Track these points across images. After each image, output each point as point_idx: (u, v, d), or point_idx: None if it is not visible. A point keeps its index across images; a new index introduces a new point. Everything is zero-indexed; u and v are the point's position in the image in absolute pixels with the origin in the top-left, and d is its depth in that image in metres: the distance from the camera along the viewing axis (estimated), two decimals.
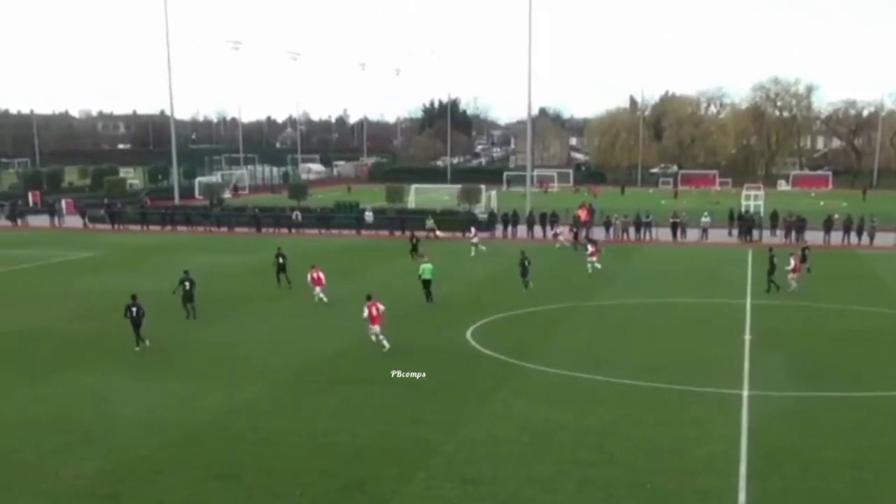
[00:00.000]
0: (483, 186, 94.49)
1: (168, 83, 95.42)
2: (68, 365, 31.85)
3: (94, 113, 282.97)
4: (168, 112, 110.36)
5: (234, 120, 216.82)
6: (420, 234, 64.98)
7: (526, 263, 47.58)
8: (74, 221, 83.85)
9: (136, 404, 27.06)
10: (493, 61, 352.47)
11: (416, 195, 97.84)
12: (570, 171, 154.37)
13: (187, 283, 39.41)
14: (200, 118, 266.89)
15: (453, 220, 76.47)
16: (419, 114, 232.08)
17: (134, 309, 33.88)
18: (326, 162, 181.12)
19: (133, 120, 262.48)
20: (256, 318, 39.76)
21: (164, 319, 39.04)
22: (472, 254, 59.73)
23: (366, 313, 33.29)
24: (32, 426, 24.95)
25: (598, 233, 71.49)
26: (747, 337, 35.91)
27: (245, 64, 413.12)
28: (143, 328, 33.82)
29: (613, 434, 24.11)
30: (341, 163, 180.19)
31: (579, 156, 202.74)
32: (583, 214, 74.90)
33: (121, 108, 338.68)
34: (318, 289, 42.84)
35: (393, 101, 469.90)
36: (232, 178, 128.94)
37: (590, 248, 54.41)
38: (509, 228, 73.97)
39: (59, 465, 21.96)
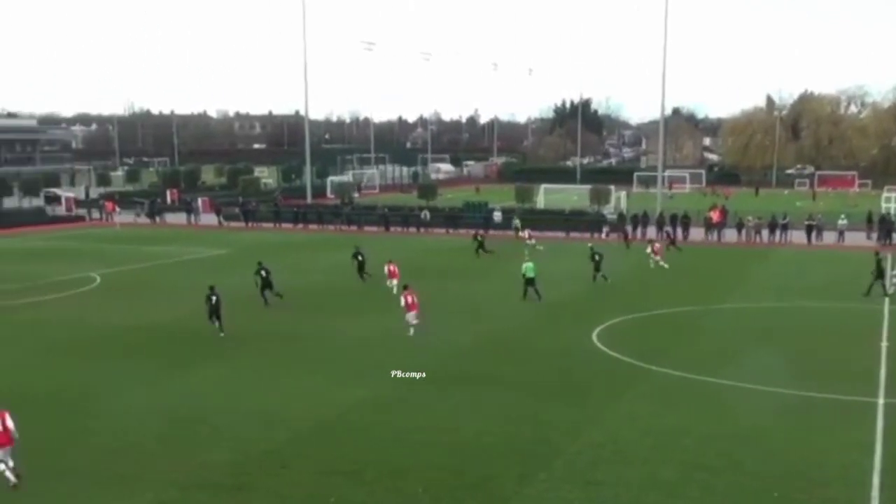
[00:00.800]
0: (613, 187, 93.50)
1: (304, 84, 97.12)
2: (199, 359, 32.70)
3: (231, 113, 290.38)
4: (302, 112, 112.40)
5: (366, 120, 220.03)
6: (518, 234, 65.11)
7: (596, 258, 48.10)
8: (209, 219, 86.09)
9: (264, 398, 27.57)
10: (626, 60, 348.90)
11: (545, 195, 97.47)
12: (703, 172, 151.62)
13: (261, 274, 41.90)
14: (334, 118, 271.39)
15: (583, 221, 75.98)
16: (550, 114, 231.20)
17: (213, 297, 36.11)
18: (456, 162, 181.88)
19: (268, 120, 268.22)
20: (382, 314, 40.07)
21: (293, 314, 39.92)
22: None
23: (402, 301, 35.49)
24: (164, 418, 25.61)
25: (731, 234, 70.25)
26: (884, 343, 34.65)
27: (378, 65, 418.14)
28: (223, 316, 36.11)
29: (741, 440, 23.53)
30: (471, 163, 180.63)
31: (712, 156, 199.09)
32: (715, 216, 73.63)
33: (257, 108, 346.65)
34: (393, 280, 44.48)
35: (524, 101, 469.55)
36: (363, 178, 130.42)
37: (655, 247, 55.12)
38: (638, 230, 73.13)
39: (189, 456, 22.49)
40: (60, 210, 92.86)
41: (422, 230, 76.23)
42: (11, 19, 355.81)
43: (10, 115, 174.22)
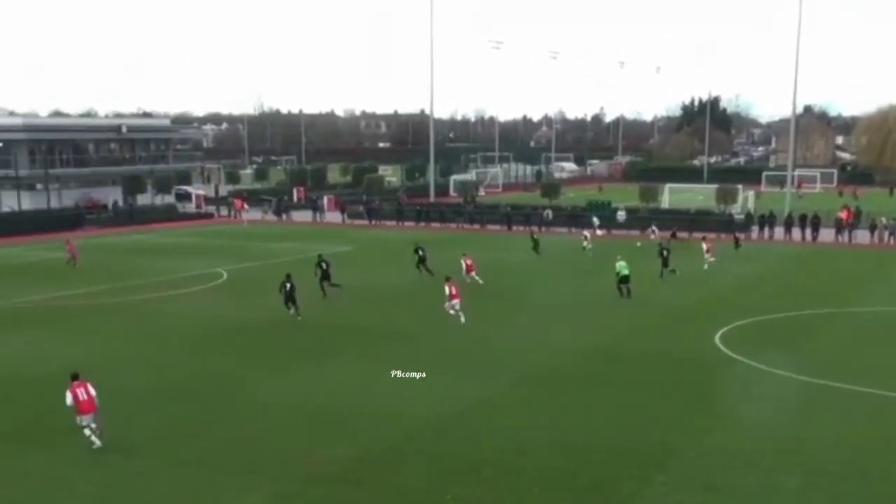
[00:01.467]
0: (740, 186, 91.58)
1: (430, 83, 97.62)
2: (322, 354, 33.17)
3: (358, 112, 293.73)
4: (428, 111, 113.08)
5: (491, 119, 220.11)
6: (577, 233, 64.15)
7: (665, 253, 48.32)
8: (334, 217, 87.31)
9: (384, 395, 27.81)
10: (757, 57, 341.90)
11: (671, 195, 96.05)
12: (835, 172, 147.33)
13: (321, 266, 43.81)
14: (458, 117, 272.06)
15: (709, 221, 74.63)
16: (677, 112, 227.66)
17: (288, 285, 38.89)
18: (580, 161, 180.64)
19: (394, 119, 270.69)
20: (503, 314, 40.04)
21: (413, 311, 40.15)
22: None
23: (447, 291, 37.75)
24: (287, 412, 26.05)
25: (863, 236, 68.12)
26: None
27: (505, 63, 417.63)
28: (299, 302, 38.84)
29: (869, 448, 22.79)
30: (595, 161, 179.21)
31: (845, 155, 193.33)
32: (844, 216, 71.53)
33: (383, 107, 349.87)
34: (472, 273, 46.12)
35: (651, 99, 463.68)
36: (486, 176, 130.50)
37: (704, 246, 54.19)
38: (766, 230, 71.51)
39: (309, 449, 22.82)
40: (190, 207, 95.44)
41: (544, 229, 75.77)
42: (148, 24, 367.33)
43: (146, 115, 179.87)
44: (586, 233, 63.15)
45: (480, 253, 59.56)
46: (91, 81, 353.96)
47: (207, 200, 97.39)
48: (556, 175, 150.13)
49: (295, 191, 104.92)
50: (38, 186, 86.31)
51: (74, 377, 23.75)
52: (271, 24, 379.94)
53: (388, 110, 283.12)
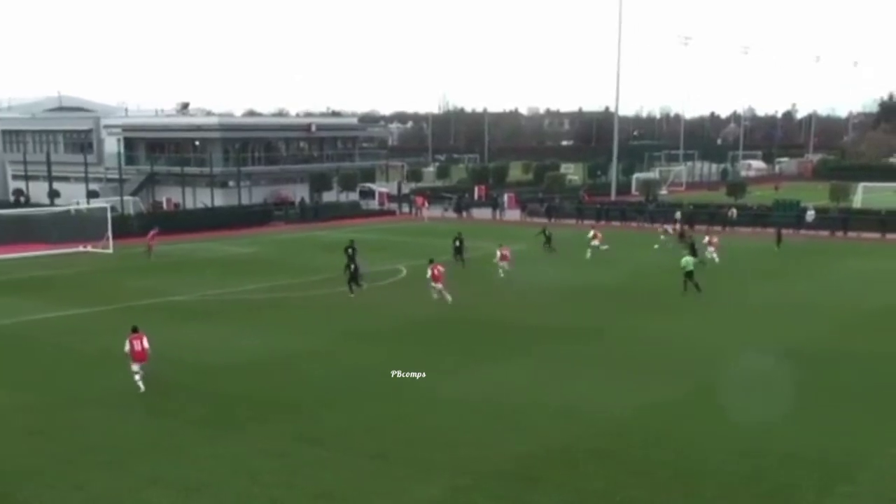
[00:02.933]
0: None
1: (615, 80, 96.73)
2: (502, 350, 33.30)
3: (542, 111, 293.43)
4: (613, 109, 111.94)
5: (676, 116, 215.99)
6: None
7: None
8: (514, 215, 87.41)
9: (562, 393, 27.72)
10: None
11: (864, 194, 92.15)
12: None
13: (347, 252, 47.69)
14: (644, 114, 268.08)
15: None
16: (874, 108, 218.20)
17: (352, 266, 44.70)
18: (768, 158, 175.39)
19: (577, 117, 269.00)
20: (686, 314, 39.35)
21: (596, 310, 39.87)
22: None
23: (429, 273, 41.22)
24: (466, 408, 26.25)
25: None
26: None
27: (693, 59, 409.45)
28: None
29: None
30: (784, 159, 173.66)
31: None
32: None
33: (567, 105, 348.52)
34: (504, 264, 48.72)
35: (847, 95, 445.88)
36: (669, 175, 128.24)
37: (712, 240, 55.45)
38: None
39: (486, 446, 22.94)
40: (374, 204, 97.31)
41: (727, 229, 73.87)
42: (338, 25, 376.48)
43: (335, 114, 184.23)
44: (667, 227, 62.28)
45: (662, 253, 58.64)
46: (284, 82, 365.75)
47: (390, 198, 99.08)
48: (743, 173, 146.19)
49: (476, 188, 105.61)
50: (231, 184, 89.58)
51: (134, 329, 28.26)
52: (458, 24, 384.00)
53: (573, 108, 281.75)
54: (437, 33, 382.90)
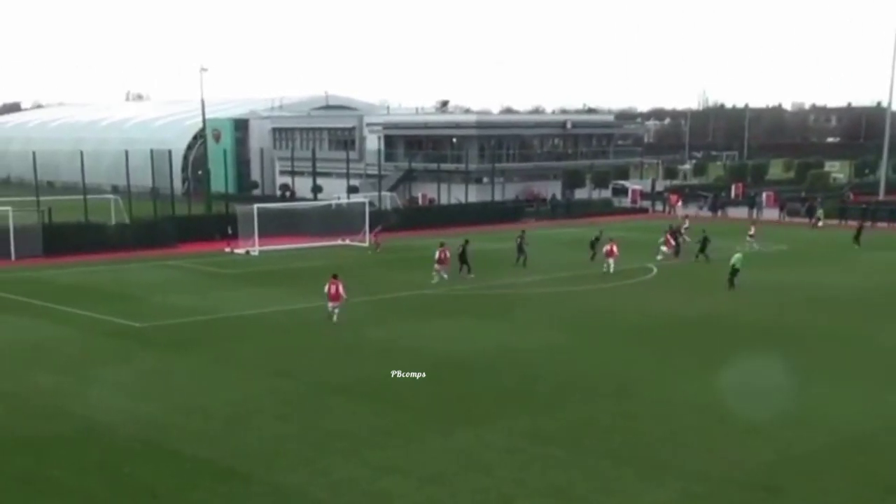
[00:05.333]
0: None
1: (890, 72, 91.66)
2: (742, 354, 32.58)
3: (807, 106, 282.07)
4: (884, 103, 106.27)
5: None
6: None
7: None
8: (772, 214, 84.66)
9: (807, 399, 26.97)
10: None
11: None
12: None
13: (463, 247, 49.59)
14: None
15: None
16: None
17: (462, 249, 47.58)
18: None
19: (846, 112, 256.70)
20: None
21: (829, 314, 38.38)
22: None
23: (436, 255, 44.99)
24: (700, 412, 25.83)
25: None
26: None
27: None
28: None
29: None
30: None
31: None
32: None
33: (834, 100, 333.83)
34: (610, 259, 49.84)
35: None
36: None
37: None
38: None
39: (721, 452, 22.52)
40: (626, 202, 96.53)
41: None
42: (574, 22, 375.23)
43: (591, 111, 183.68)
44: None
45: None
46: (541, 79, 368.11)
47: (643, 195, 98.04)
48: None
49: (733, 187, 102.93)
50: (485, 180, 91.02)
51: (334, 276, 37.72)
52: (721, 18, 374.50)
53: (840, 103, 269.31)
54: (699, 28, 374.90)
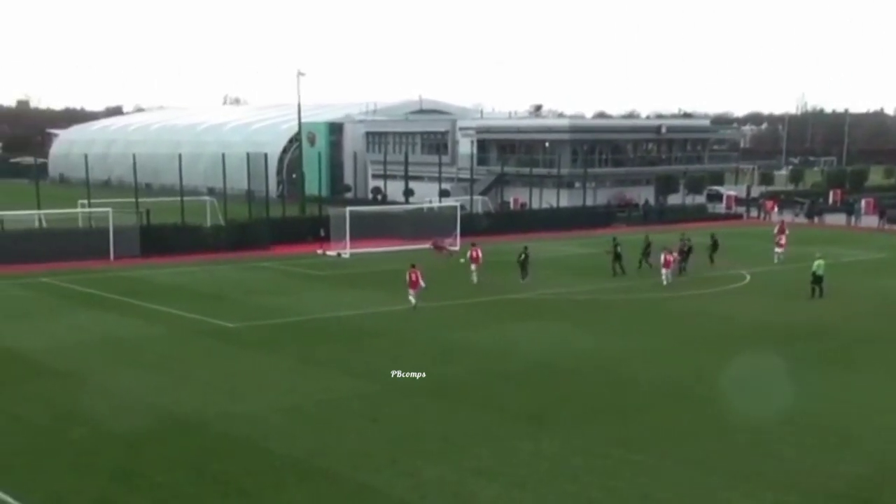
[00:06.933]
0: None
1: None
2: (837, 365, 32.00)
3: None
4: None
5: None
6: None
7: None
8: (871, 222, 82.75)
9: None
10: None
11: None
12: None
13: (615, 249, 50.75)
14: None
15: None
16: None
17: (523, 255, 48.39)
18: None
19: None
20: None
21: None
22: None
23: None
24: (792, 421, 25.35)
25: None
26: None
27: None
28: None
29: None
30: None
31: None
32: None
33: None
34: (666, 270, 48.31)
35: None
36: None
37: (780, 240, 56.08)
38: None
39: (814, 462, 22.10)
40: (720, 207, 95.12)
41: None
42: (684, 26, 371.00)
43: (686, 116, 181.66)
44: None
45: None
46: (635, 83, 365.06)
47: (738, 201, 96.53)
48: None
49: (831, 193, 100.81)
50: (577, 185, 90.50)
51: (413, 266, 40.80)
52: (819, 21, 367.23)
53: None
54: (799, 31, 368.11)
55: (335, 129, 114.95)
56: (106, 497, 20.05)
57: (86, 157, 73.43)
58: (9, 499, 19.54)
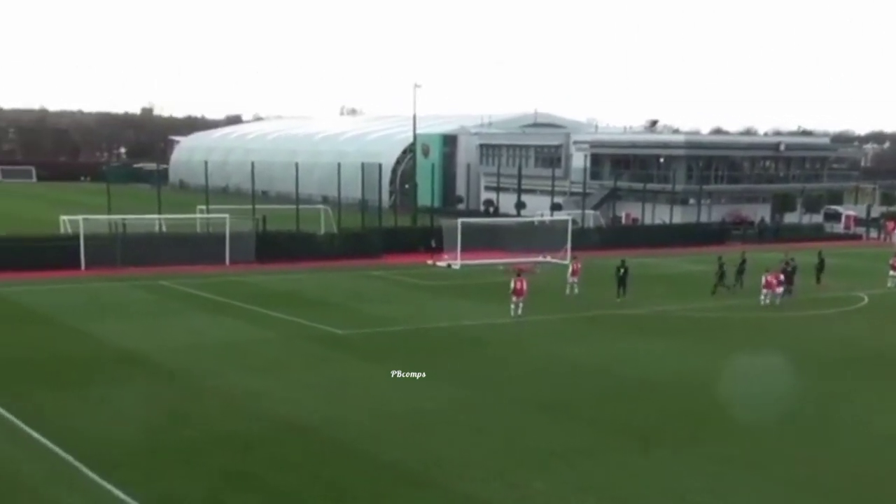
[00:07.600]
0: None
1: None
2: None
3: None
4: None
5: None
6: None
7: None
8: None
9: None
10: None
11: None
12: None
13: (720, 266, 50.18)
14: None
15: None
16: None
17: (622, 270, 47.63)
18: None
19: None
20: None
21: None
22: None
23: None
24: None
25: None
26: None
27: None
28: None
29: None
30: None
31: None
32: None
33: None
34: (768, 290, 47.01)
35: None
36: None
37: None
38: None
39: None
40: (838, 227, 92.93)
41: None
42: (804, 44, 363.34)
43: (805, 133, 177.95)
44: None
45: None
46: (753, 100, 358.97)
47: (857, 221, 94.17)
48: None
49: None
50: (691, 201, 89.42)
51: (518, 273, 42.44)
52: None
53: None
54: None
55: (449, 140, 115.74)
56: (218, 497, 20.50)
57: (206, 163, 75.19)
58: (124, 496, 20.09)
